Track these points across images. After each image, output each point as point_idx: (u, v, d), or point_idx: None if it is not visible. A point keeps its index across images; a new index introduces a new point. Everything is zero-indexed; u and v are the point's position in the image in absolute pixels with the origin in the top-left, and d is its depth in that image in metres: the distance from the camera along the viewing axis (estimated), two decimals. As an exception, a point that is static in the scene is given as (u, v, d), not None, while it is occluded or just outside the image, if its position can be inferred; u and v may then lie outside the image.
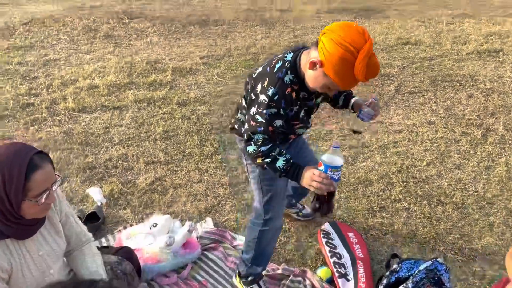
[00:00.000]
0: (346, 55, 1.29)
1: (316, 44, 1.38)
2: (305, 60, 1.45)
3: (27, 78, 4.02)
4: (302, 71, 1.47)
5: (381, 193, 2.65)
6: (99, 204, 2.42)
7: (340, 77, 1.34)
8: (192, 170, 2.83)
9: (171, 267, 1.99)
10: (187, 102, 3.75)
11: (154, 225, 2.10)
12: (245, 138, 1.53)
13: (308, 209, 2.39)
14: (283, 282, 1.99)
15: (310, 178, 1.43)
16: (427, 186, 2.71)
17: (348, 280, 1.95)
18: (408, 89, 4.18)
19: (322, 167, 1.42)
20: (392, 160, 2.98)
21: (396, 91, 4.14)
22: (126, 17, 6.23)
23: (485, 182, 2.77)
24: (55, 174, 1.29)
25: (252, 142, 1.50)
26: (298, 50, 1.51)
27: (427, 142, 3.22)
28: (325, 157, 1.42)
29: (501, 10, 7.35)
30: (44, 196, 1.24)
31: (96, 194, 2.46)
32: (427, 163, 2.95)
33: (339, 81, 1.35)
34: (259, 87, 1.48)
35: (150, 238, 2.05)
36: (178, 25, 6.06)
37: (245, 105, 1.61)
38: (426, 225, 2.40)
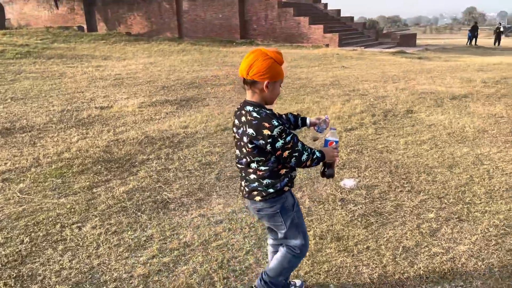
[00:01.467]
0: (268, 61, 1.94)
1: (250, 87, 2.00)
2: (255, 97, 2.02)
3: None
4: (262, 103, 2.03)
5: (202, 298, 2.52)
6: None
7: (278, 73, 1.97)
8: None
9: None
10: (-25, 234, 3.14)
11: None
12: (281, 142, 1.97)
13: (299, 281, 2.60)
14: None
15: (331, 152, 2.14)
16: (246, 278, 2.69)
17: None
18: (228, 174, 4.33)
19: (333, 144, 2.17)
20: (214, 256, 2.91)
21: (217, 178, 4.24)
22: None
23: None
24: None
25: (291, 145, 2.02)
26: (243, 104, 2.05)
27: (246, 228, 3.28)
28: (331, 138, 2.20)
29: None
30: None
31: None
32: (246, 252, 2.97)
33: (280, 75, 1.99)
34: (265, 132, 1.93)
35: None
36: (-27, 138, 5.30)
37: (251, 164, 2.06)
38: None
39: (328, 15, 24.29)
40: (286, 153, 1.99)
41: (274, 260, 2.30)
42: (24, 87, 8.66)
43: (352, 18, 25.19)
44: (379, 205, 3.67)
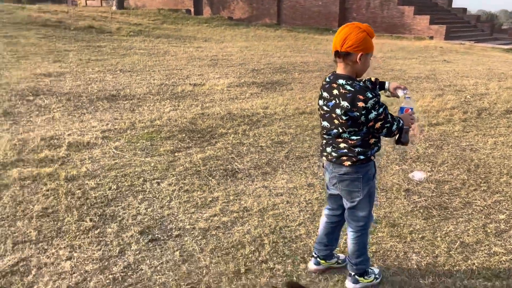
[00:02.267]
0: (362, 34, 2.05)
1: (343, 59, 2.09)
2: (347, 70, 2.11)
3: None
4: (353, 75, 2.13)
5: (250, 255, 2.75)
6: None
7: (371, 45, 2.09)
8: (64, 247, 2.77)
9: None
10: (75, 177, 3.74)
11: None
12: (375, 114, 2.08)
13: (342, 256, 2.70)
14: None
15: (408, 118, 2.24)
16: (294, 245, 2.86)
17: None
18: (297, 154, 4.49)
19: (409, 111, 2.26)
20: (268, 223, 3.13)
21: (286, 156, 4.43)
22: (31, 94, 6.21)
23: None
24: None
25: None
26: (333, 78, 2.15)
27: (303, 203, 3.44)
28: (406, 105, 2.28)
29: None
30: None
31: None
32: (299, 224, 3.13)
33: (372, 48, 2.10)
34: (360, 104, 2.02)
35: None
36: (85, 101, 6.14)
37: (342, 134, 2.17)
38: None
39: (437, 5, 22.68)
40: (378, 124, 2.11)
41: (348, 245, 2.45)
42: (132, 61, 9.64)
43: (464, 9, 23.19)
44: (446, 200, 3.55)
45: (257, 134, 5.06)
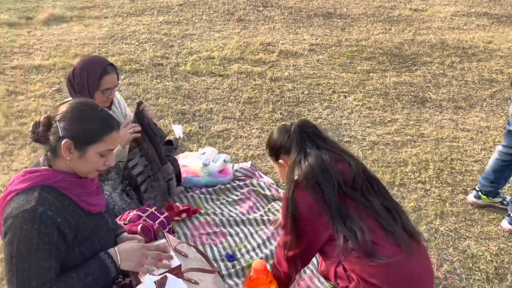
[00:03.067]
0: None
1: None
2: None
3: (166, 46, 5.11)
4: None
5: (410, 173, 2.84)
6: (177, 137, 3.19)
7: None
8: (256, 128, 3.42)
9: (205, 183, 2.64)
10: (278, 79, 4.34)
11: (203, 153, 2.77)
12: None
13: (509, 197, 2.48)
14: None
15: None
16: (460, 177, 2.79)
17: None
18: (505, 95, 4.01)
19: None
20: (441, 151, 3.08)
21: (491, 96, 4.02)
22: (262, 5, 7.06)
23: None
24: (118, 82, 2.06)
25: None
26: None
27: (489, 143, 3.19)
28: None
29: None
30: (108, 92, 2.01)
31: (178, 130, 3.24)
32: (475, 160, 2.98)
33: None
34: None
35: (197, 161, 2.72)
36: (304, 15, 6.64)
37: None
38: (435, 206, 2.54)
39: None
40: None
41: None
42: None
43: None
44: None
45: (466, 68, 4.65)
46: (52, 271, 1.36)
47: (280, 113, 3.66)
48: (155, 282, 1.36)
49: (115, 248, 1.50)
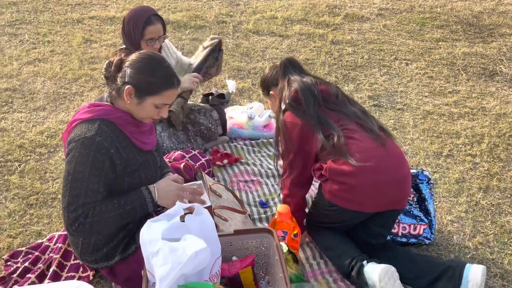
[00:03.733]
0: None
1: None
2: None
3: (232, 4, 5.18)
4: None
5: (461, 145, 2.74)
6: (230, 91, 3.32)
7: None
8: (308, 88, 3.44)
9: (249, 135, 2.75)
10: (339, 42, 4.26)
11: (251, 107, 2.87)
12: None
13: None
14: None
15: None
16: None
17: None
18: None
19: None
20: (500, 127, 2.91)
21: None
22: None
23: None
24: (164, 33, 2.20)
25: None
26: None
27: (559, 122, 2.95)
28: None
29: None
30: (152, 42, 2.16)
31: (231, 85, 3.35)
32: (537, 139, 2.78)
33: None
34: None
35: (244, 114, 2.84)
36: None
37: None
38: (481, 180, 2.44)
39: None
40: None
41: None
42: None
43: None
44: None
45: (550, 42, 4.23)
46: (98, 194, 1.56)
47: (335, 76, 3.63)
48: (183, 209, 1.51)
49: (154, 185, 1.65)
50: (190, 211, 1.54)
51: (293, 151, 1.84)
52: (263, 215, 2.20)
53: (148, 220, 1.48)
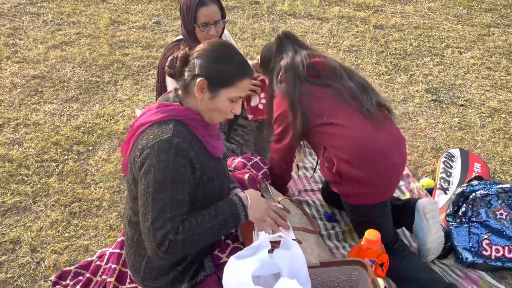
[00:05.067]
0: None
1: None
2: None
3: (263, -18, 4.84)
4: None
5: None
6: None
7: None
8: (358, 80, 3.17)
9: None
10: (383, 27, 3.95)
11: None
12: None
13: None
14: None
15: None
16: None
17: (446, 194, 2.10)
18: None
19: None
20: None
21: None
22: None
23: None
24: (221, 18, 1.94)
25: None
26: None
27: None
28: None
29: None
30: (208, 28, 1.91)
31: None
32: None
33: None
34: None
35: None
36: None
37: None
38: None
39: None
40: None
41: None
42: None
43: None
44: None
45: None
46: (185, 206, 1.33)
47: (385, 66, 3.36)
48: (270, 241, 1.30)
49: (245, 192, 1.44)
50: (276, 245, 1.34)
51: (282, 127, 1.82)
52: (332, 231, 1.99)
53: (231, 257, 1.27)
